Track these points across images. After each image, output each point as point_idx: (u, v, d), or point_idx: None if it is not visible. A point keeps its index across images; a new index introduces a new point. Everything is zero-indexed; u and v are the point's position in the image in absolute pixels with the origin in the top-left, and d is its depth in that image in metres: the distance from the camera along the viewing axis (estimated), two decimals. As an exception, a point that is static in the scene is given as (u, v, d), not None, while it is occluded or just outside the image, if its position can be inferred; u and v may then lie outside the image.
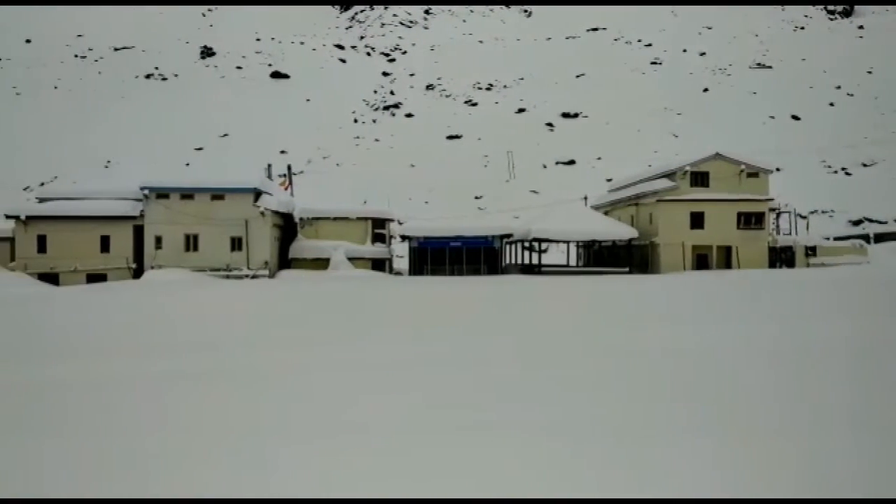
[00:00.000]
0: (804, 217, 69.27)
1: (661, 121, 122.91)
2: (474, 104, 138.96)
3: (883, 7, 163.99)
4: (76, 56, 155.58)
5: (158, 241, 49.53)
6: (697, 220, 51.52)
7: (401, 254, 63.73)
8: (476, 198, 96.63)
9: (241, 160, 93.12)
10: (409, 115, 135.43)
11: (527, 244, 56.17)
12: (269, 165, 64.58)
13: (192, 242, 49.77)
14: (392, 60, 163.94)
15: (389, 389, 12.24)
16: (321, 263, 52.16)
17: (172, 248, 49.47)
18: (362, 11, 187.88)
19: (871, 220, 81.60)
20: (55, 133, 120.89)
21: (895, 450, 8.59)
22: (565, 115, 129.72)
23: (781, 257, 55.01)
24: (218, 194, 50.04)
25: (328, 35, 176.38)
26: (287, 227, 55.23)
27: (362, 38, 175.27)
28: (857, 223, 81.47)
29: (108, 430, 9.58)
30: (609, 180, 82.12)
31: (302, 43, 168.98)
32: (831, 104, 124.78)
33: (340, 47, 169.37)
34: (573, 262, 65.39)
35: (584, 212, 57.25)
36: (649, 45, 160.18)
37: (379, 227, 56.19)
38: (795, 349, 15.94)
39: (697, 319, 21.94)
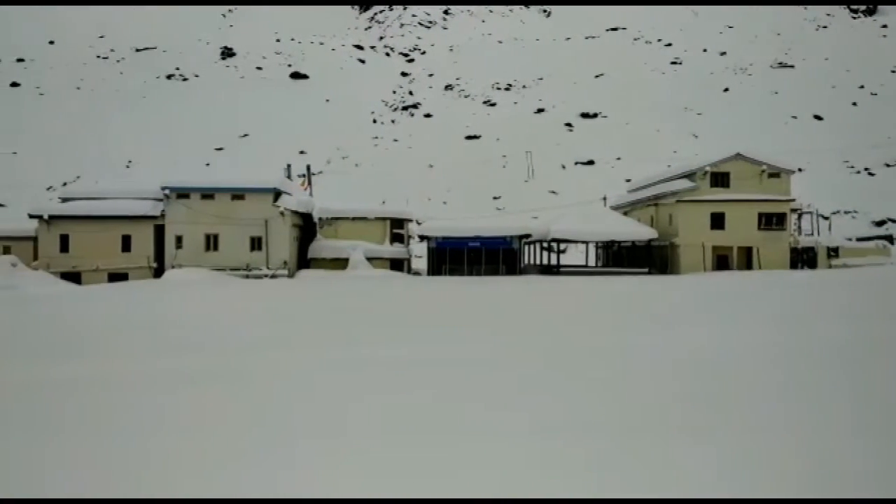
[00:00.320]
0: (826, 217, 68.62)
1: (681, 121, 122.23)
2: (493, 104, 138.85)
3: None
4: (98, 57, 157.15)
5: (179, 240, 49.89)
6: (718, 221, 51.16)
7: (419, 254, 63.79)
8: (495, 198, 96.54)
9: (261, 160, 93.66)
10: (427, 116, 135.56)
11: (545, 245, 56.03)
12: (289, 165, 64.88)
13: (212, 242, 50.08)
14: (411, 61, 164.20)
15: (401, 389, 12.24)
16: (340, 263, 52.31)
17: (193, 247, 49.80)
18: (381, 12, 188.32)
19: (894, 221, 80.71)
20: (78, 133, 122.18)
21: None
22: (584, 116, 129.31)
23: (803, 258, 54.52)
24: (238, 194, 50.33)
25: (347, 35, 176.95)
26: (306, 227, 55.43)
27: (381, 38, 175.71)
28: (880, 224, 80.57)
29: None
30: (628, 181, 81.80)
31: (321, 43, 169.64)
32: (854, 104, 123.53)
33: (360, 48, 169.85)
34: (592, 262, 65.15)
35: (603, 212, 57.04)
36: (669, 44, 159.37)
37: (397, 228, 56.27)
38: (809, 351, 15.80)
39: (719, 320, 21.78)
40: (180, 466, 8.11)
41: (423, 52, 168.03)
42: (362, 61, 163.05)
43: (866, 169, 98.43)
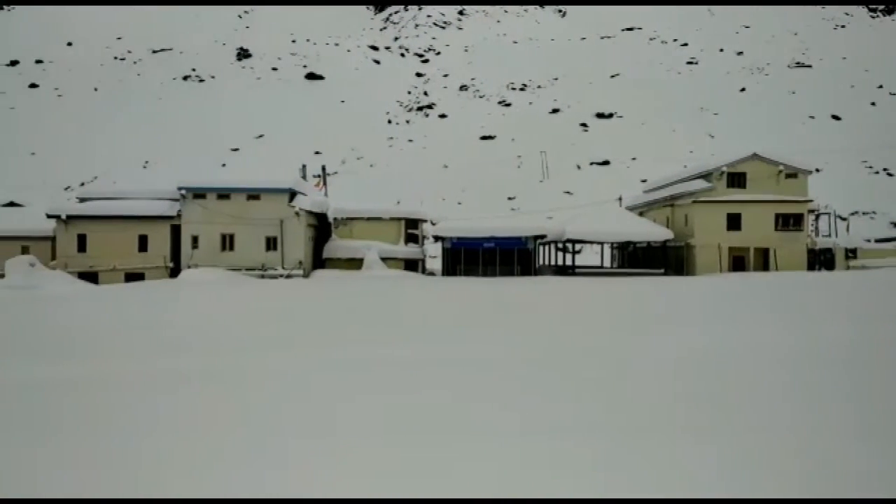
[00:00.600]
0: (844, 218, 68.07)
1: (697, 121, 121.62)
2: (508, 104, 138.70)
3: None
4: (115, 58, 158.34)
5: (195, 240, 50.12)
6: (734, 222, 50.82)
7: (434, 254, 63.79)
8: (509, 198, 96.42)
9: (277, 161, 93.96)
10: (442, 116, 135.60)
11: (560, 245, 55.87)
12: (304, 166, 65.03)
13: (227, 242, 50.29)
14: (426, 61, 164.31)
15: (416, 389, 12.24)
16: (355, 263, 52.37)
17: (209, 247, 50.02)
18: (396, 13, 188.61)
19: (913, 222, 79.90)
20: (95, 134, 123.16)
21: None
22: (600, 116, 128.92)
23: (821, 259, 54.09)
24: (253, 194, 50.50)
25: (362, 36, 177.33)
26: (321, 227, 55.56)
27: (396, 39, 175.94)
28: (899, 225, 79.81)
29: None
30: (644, 181, 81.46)
31: (336, 44, 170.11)
32: (873, 103, 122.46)
33: (375, 48, 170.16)
34: (607, 263, 64.90)
35: (618, 213, 56.81)
36: (685, 44, 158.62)
37: (412, 228, 56.28)
38: (816, 352, 15.68)
39: (733, 320, 21.65)
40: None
41: (438, 53, 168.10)
42: (377, 62, 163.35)
43: (885, 169, 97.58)
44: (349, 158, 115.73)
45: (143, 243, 50.08)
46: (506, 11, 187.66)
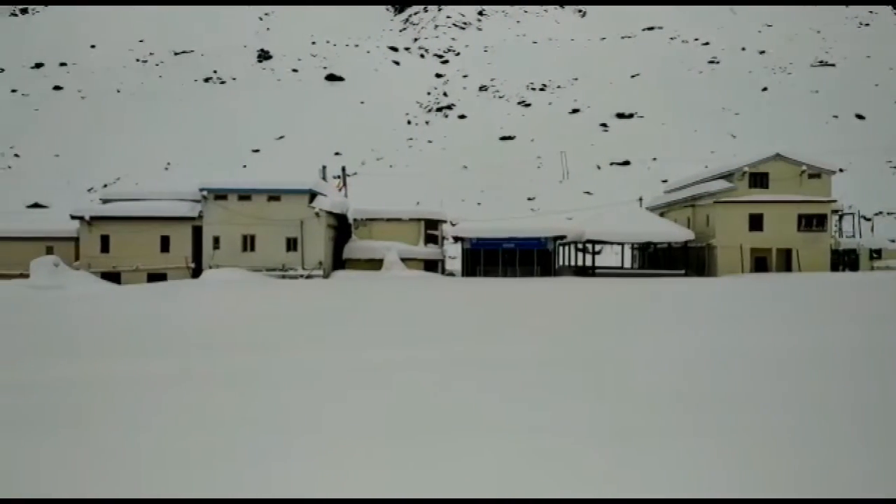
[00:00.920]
0: (868, 219, 67.31)
1: (719, 121, 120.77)
2: (528, 105, 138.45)
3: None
4: (138, 61, 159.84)
5: (216, 241, 50.44)
6: (756, 222, 50.39)
7: (453, 255, 63.81)
8: (529, 199, 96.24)
9: (297, 162, 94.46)
10: (462, 117, 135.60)
11: (580, 246, 55.66)
12: (324, 167, 65.28)
13: (248, 243, 50.57)
14: (445, 62, 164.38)
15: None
16: (375, 264, 52.49)
17: (230, 248, 50.32)
18: (416, 14, 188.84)
19: (939, 223, 78.78)
20: (118, 135, 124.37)
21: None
22: (620, 116, 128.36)
23: (844, 260, 53.52)
24: (274, 195, 50.75)
25: (382, 37, 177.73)
26: (341, 227, 55.74)
27: (416, 39, 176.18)
28: (924, 225, 78.75)
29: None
30: (664, 181, 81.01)
31: (356, 45, 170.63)
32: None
33: (394, 49, 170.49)
34: (627, 264, 64.58)
35: (638, 213, 56.48)
36: (706, 43, 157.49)
37: (431, 228, 56.31)
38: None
39: (754, 322, 21.47)
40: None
41: (458, 54, 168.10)
42: (397, 63, 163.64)
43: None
44: (369, 159, 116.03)
45: (165, 244, 50.47)
46: (525, 12, 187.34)
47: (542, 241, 53.73)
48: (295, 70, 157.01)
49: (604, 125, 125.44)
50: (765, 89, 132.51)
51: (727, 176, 52.05)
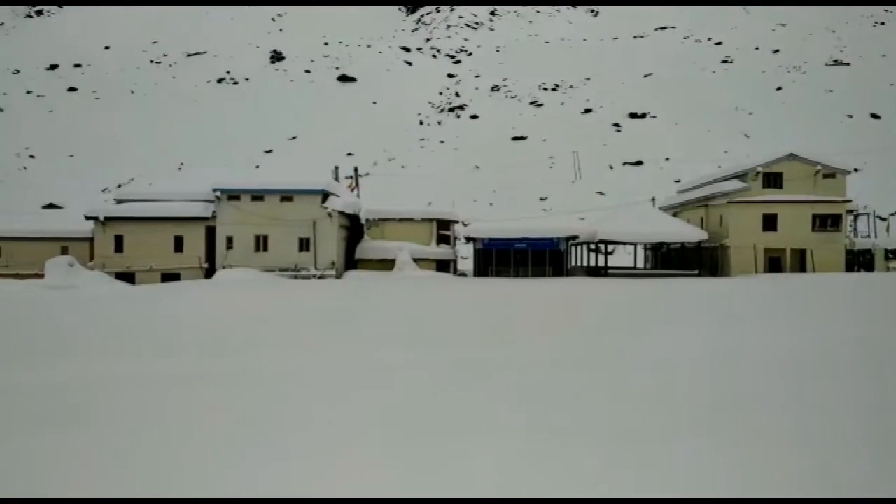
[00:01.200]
0: (884, 219, 66.80)
1: (732, 121, 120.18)
2: (540, 105, 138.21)
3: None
4: (151, 61, 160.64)
5: (229, 241, 50.65)
6: (770, 222, 50.12)
7: (465, 255, 63.78)
8: (541, 199, 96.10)
9: (309, 162, 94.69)
10: (474, 117, 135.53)
11: (593, 246, 55.53)
12: (337, 167, 65.41)
13: (261, 243, 50.75)
14: (457, 62, 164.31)
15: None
16: (387, 264, 52.57)
17: (243, 248, 50.53)
18: (428, 14, 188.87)
19: (955, 223, 78.03)
20: (131, 136, 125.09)
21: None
22: (633, 116, 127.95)
23: (859, 261, 53.15)
24: (287, 196, 50.91)
25: (394, 38, 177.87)
26: (353, 228, 55.86)
27: (428, 40, 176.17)
28: (940, 225, 78.03)
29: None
30: (677, 181, 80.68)
31: (369, 46, 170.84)
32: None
33: (406, 50, 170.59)
34: (640, 264, 64.37)
35: (651, 213, 56.28)
36: (720, 43, 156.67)
37: (444, 229, 56.34)
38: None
39: (778, 322, 21.36)
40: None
41: (470, 54, 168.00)
42: (409, 63, 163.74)
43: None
44: (381, 160, 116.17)
45: (178, 244, 50.72)
46: (538, 12, 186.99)
47: (554, 242, 53.64)
48: (307, 71, 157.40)
49: (616, 125, 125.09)
50: (779, 89, 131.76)
51: (741, 176, 51.80)
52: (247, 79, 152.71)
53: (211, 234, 50.96)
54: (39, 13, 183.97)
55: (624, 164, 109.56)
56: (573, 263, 58.26)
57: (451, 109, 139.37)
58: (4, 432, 9.72)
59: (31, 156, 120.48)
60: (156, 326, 23.29)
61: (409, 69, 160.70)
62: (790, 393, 11.79)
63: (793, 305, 26.78)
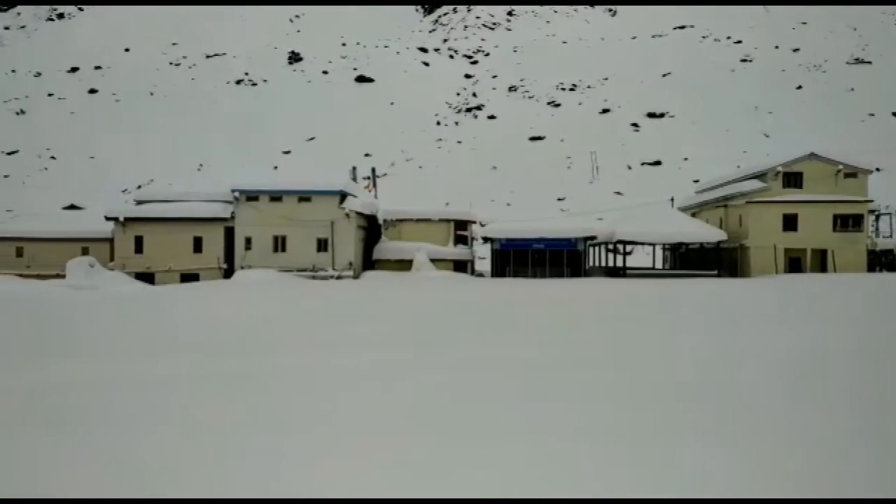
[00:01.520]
0: (906, 219, 65.93)
1: (752, 120, 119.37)
2: (557, 105, 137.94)
3: None
4: (171, 63, 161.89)
5: (248, 241, 50.91)
6: (790, 223, 49.70)
7: (483, 255, 63.74)
8: (559, 199, 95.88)
9: (327, 163, 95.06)
10: (491, 117, 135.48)
11: (611, 246, 55.31)
12: (354, 168, 65.60)
13: (279, 243, 50.97)
14: (475, 62, 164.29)
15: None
16: (404, 264, 52.65)
17: (261, 248, 50.76)
18: (445, 14, 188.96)
19: (980, 223, 77.00)
20: (151, 137, 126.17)
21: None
22: (651, 115, 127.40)
23: (881, 261, 52.60)
24: (305, 196, 51.11)
25: (412, 39, 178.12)
26: (371, 228, 55.95)
27: (445, 40, 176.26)
28: (964, 226, 77.00)
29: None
30: (696, 181, 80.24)
31: (386, 47, 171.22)
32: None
33: (424, 50, 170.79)
34: (659, 264, 64.04)
35: (670, 213, 55.96)
36: (739, 42, 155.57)
37: (461, 229, 56.34)
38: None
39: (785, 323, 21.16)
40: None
41: (487, 54, 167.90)
42: (426, 64, 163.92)
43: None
44: (398, 160, 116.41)
45: (197, 244, 51.03)
46: (555, 12, 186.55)
47: (572, 242, 53.51)
48: (325, 72, 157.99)
49: (634, 125, 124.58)
50: (799, 87, 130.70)
51: (760, 176, 51.43)
52: (265, 80, 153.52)
53: (230, 234, 51.24)
54: (60, 16, 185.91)
55: (642, 164, 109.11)
56: (591, 264, 58.06)
57: (469, 110, 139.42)
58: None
59: (53, 157, 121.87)
60: (172, 326, 23.43)
61: (427, 70, 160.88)
62: (798, 394, 11.67)
63: (821, 306, 26.52)
